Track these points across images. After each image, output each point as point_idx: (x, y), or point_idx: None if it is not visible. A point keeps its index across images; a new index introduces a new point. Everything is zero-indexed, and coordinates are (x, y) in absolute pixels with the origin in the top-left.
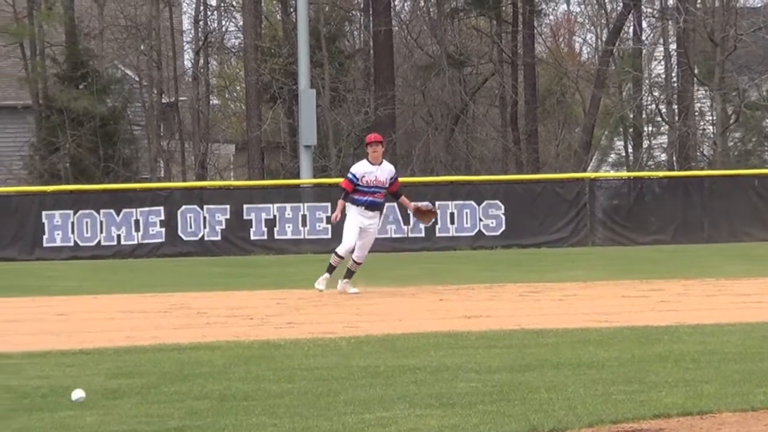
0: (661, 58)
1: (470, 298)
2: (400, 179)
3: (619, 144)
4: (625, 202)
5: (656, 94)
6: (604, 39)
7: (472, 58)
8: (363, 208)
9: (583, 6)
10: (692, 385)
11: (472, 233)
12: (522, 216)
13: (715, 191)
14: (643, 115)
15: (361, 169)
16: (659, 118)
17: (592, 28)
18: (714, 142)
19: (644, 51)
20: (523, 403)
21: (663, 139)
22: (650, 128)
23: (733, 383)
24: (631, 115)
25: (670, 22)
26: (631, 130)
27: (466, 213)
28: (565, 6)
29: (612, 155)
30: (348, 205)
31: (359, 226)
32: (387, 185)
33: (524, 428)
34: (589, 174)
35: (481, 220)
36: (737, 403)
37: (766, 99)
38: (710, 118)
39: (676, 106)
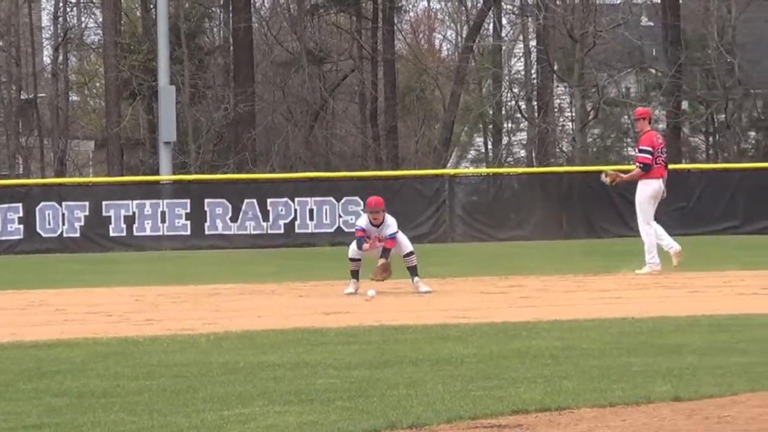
0: (521, 54)
1: (330, 294)
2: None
3: (478, 140)
4: (484, 198)
5: (516, 90)
6: (464, 35)
7: (332, 54)
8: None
9: (443, 3)
10: (551, 380)
11: (332, 229)
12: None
13: (574, 187)
14: (503, 112)
15: (363, 224)
16: (519, 115)
17: (452, 24)
18: (573, 139)
19: (504, 47)
20: (381, 399)
21: (522, 136)
22: (510, 124)
23: (591, 379)
24: (491, 112)
25: (529, 19)
26: (490, 126)
27: (326, 209)
28: (425, 2)
29: (471, 151)
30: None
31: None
32: (381, 240)
33: (383, 424)
34: (449, 170)
35: (340, 216)
36: (595, 399)
37: (624, 95)
38: (569, 114)
39: (535, 103)
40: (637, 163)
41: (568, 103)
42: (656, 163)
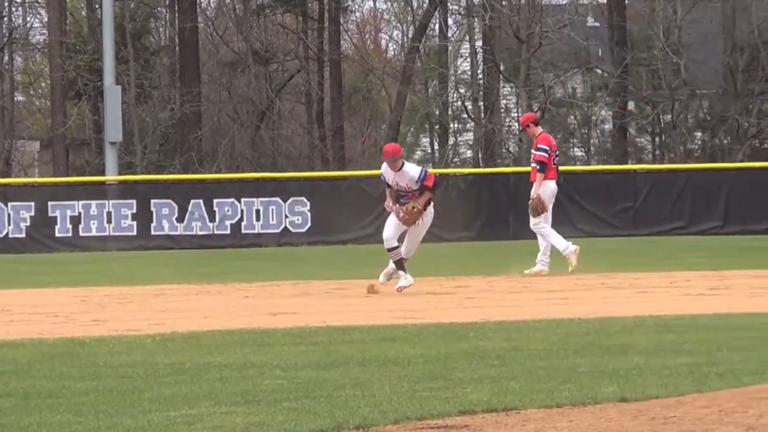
0: (467, 55)
1: (276, 294)
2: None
3: (424, 141)
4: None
5: (462, 90)
6: (410, 36)
7: (278, 54)
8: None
9: (389, 3)
10: (498, 381)
11: (278, 230)
12: (328, 213)
13: (521, 188)
14: (449, 112)
15: (383, 169)
16: (465, 115)
17: (398, 25)
18: (519, 139)
19: (450, 48)
20: (328, 400)
21: (469, 136)
22: (456, 125)
23: (538, 380)
24: (437, 112)
25: (475, 19)
26: (436, 126)
27: (272, 210)
28: (371, 3)
29: (418, 152)
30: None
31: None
32: (413, 189)
33: (329, 425)
34: None
35: (287, 216)
36: (542, 400)
37: (571, 96)
38: (516, 114)
39: (481, 103)
40: (534, 162)
41: (514, 103)
42: (553, 164)
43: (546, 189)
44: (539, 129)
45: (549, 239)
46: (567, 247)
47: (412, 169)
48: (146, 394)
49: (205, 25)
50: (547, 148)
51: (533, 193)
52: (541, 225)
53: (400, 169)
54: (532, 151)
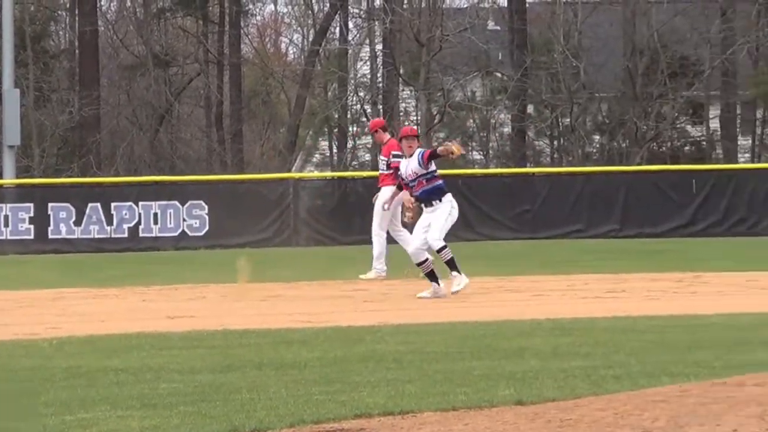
0: (367, 58)
1: (174, 298)
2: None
3: (323, 144)
4: (329, 202)
5: (362, 94)
6: (310, 39)
7: (178, 58)
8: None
9: (290, 7)
10: (394, 384)
11: (176, 233)
12: (226, 216)
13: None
14: (348, 115)
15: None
16: (364, 119)
17: (299, 28)
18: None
19: (350, 51)
20: (225, 403)
21: (367, 140)
22: (355, 128)
23: (435, 383)
24: (337, 116)
25: (376, 23)
26: (336, 130)
27: (170, 213)
28: (272, 6)
29: (317, 155)
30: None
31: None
32: (419, 174)
33: (226, 429)
34: (294, 174)
35: (184, 220)
36: (438, 403)
37: (470, 99)
38: (415, 118)
39: (381, 107)
40: (389, 169)
41: (413, 106)
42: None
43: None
44: (387, 135)
45: (381, 244)
46: (382, 265)
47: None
48: (42, 398)
49: (106, 28)
50: (400, 153)
51: (405, 200)
52: (379, 231)
53: (413, 154)
54: (381, 157)
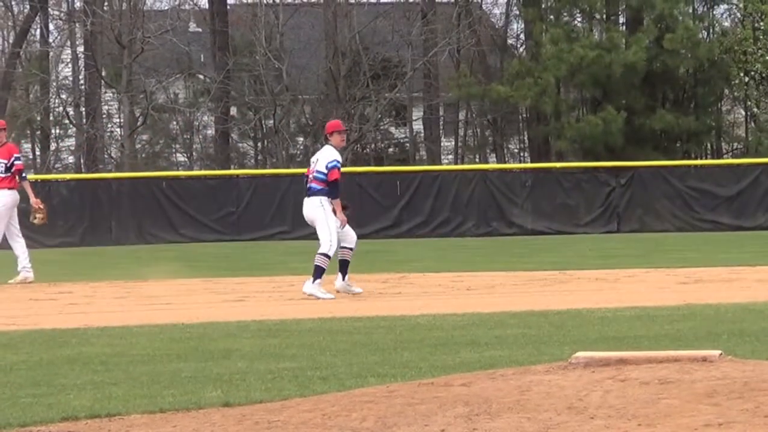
0: (69, 60)
1: None
2: None
3: (26, 147)
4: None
5: (64, 96)
6: (11, 41)
7: None
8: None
9: None
10: (101, 387)
11: None
12: None
13: (124, 193)
14: (51, 118)
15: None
16: (67, 121)
17: None
18: (122, 145)
19: (51, 53)
20: None
21: (71, 142)
22: (58, 130)
23: (142, 385)
24: (39, 118)
25: (77, 25)
26: (38, 132)
27: None
28: None
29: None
30: (323, 199)
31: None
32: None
33: None
34: None
35: None
36: (146, 405)
37: (173, 101)
38: (118, 120)
39: (83, 109)
40: (18, 172)
41: (116, 109)
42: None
43: (9, 198)
44: (4, 138)
45: (23, 248)
46: (26, 268)
47: (329, 152)
48: None
49: None
50: (19, 155)
51: (32, 201)
52: (16, 236)
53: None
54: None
